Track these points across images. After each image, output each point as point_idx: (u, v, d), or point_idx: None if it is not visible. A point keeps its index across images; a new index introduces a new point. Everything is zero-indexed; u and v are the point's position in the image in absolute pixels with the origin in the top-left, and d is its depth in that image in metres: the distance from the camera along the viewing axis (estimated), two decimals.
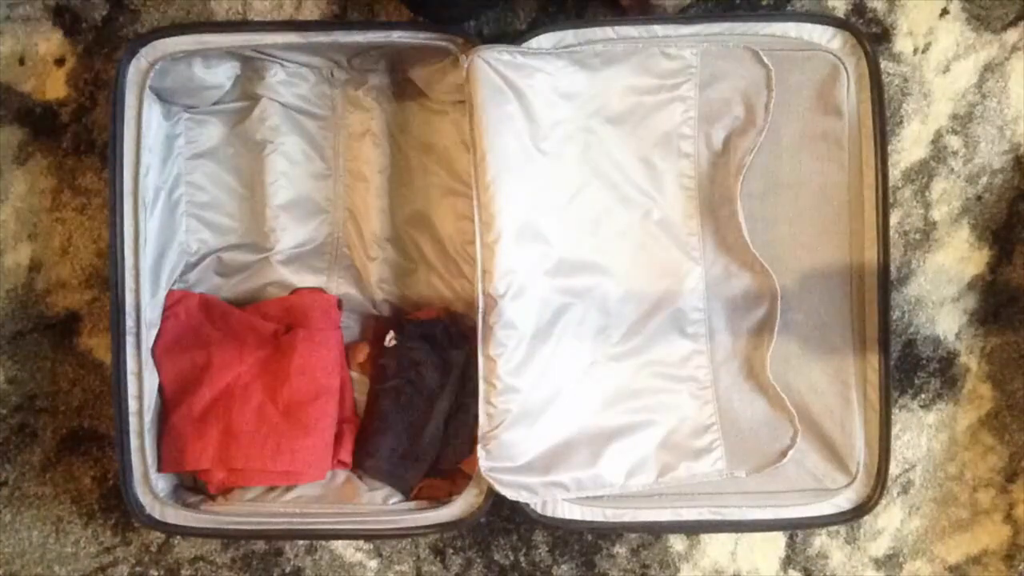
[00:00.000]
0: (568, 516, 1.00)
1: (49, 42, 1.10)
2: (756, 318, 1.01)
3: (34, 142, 1.10)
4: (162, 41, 0.98)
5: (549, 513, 1.01)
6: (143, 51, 0.98)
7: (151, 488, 0.99)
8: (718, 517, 1.00)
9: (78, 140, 1.10)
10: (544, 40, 0.99)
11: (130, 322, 0.98)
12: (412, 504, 1.01)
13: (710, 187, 1.01)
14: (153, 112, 1.01)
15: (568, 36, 0.99)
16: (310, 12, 1.10)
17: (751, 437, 1.00)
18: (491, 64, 0.93)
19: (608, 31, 0.99)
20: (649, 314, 1.01)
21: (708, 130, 1.00)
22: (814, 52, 1.00)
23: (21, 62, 1.10)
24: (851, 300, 1.01)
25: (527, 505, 1.00)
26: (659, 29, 0.99)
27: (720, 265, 1.02)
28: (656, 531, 1.08)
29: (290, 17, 1.10)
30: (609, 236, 1.00)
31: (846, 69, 0.99)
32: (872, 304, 1.00)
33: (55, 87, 1.10)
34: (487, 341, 0.94)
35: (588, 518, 1.00)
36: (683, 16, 1.04)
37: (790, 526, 1.04)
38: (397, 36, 0.98)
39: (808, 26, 1.00)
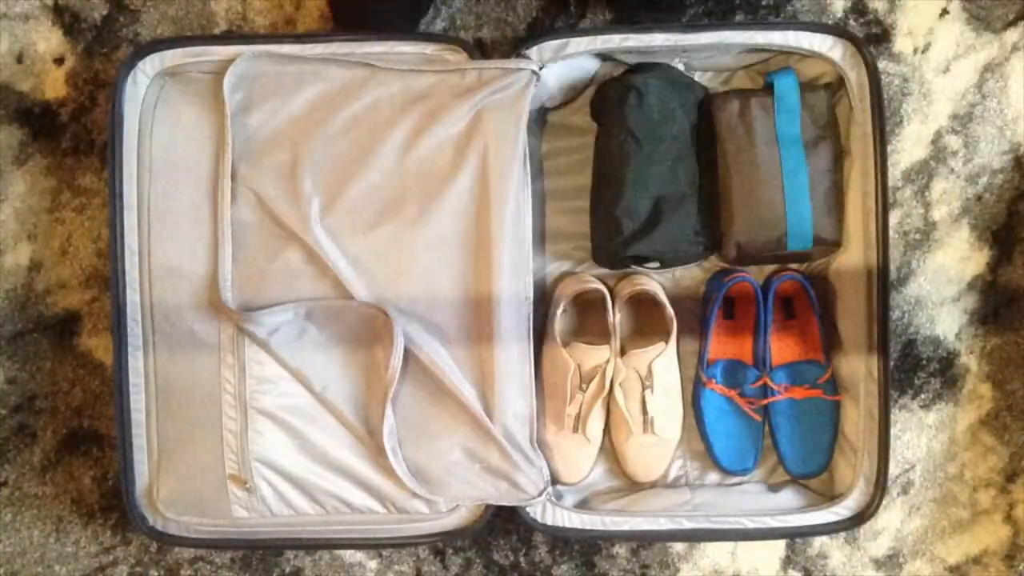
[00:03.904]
0: (568, 524, 1.01)
1: (48, 41, 1.10)
2: None
3: (33, 142, 1.10)
4: (160, 54, 0.99)
5: (549, 521, 1.01)
6: (141, 64, 0.99)
7: (153, 499, 1.00)
8: (717, 526, 1.00)
9: (78, 140, 1.10)
10: (546, 48, 0.98)
11: (137, 328, 0.98)
12: (413, 513, 1.01)
13: None
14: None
15: (571, 44, 0.99)
16: (309, 13, 1.10)
17: None
18: None
19: (614, 38, 0.99)
20: None
21: None
22: (814, 60, 1.00)
23: (19, 60, 1.10)
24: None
25: (526, 512, 1.00)
26: (660, 38, 0.99)
27: None
28: (654, 540, 1.08)
29: (290, 17, 1.10)
30: None
31: (847, 76, 0.98)
32: (873, 309, 1.00)
33: (54, 87, 1.10)
34: None
35: (588, 527, 1.01)
36: (685, 25, 1.03)
37: (790, 534, 1.04)
38: (400, 48, 0.99)
39: (808, 34, 0.99)
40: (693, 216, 0.99)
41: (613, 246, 0.99)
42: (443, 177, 0.95)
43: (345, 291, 0.95)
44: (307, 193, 0.95)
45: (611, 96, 1.01)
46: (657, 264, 1.02)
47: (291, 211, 0.95)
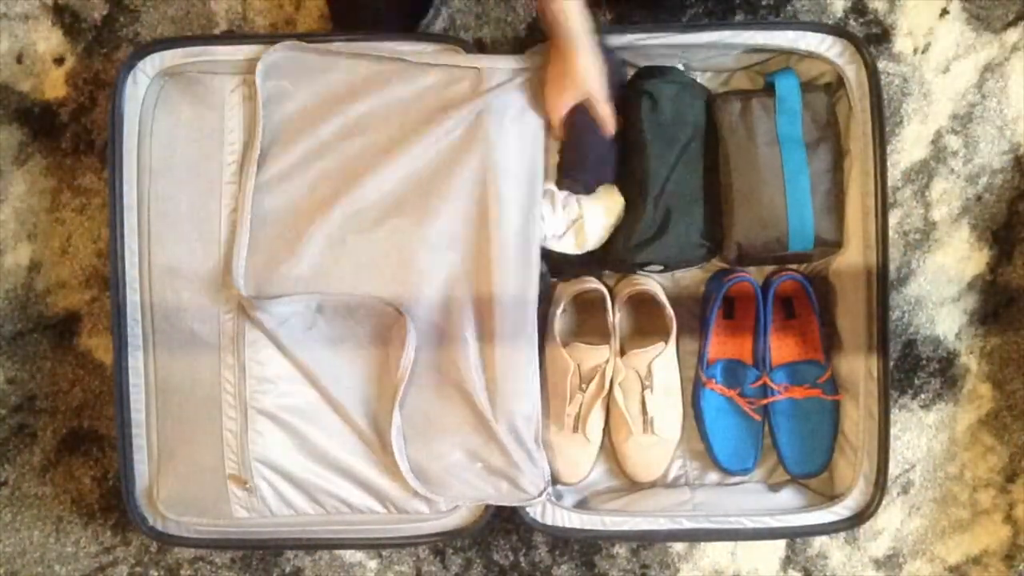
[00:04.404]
0: (568, 524, 1.01)
1: (48, 41, 1.10)
2: None
3: (33, 142, 1.10)
4: (160, 54, 0.99)
5: (548, 521, 1.01)
6: (141, 64, 0.99)
7: (153, 499, 1.00)
8: (717, 526, 1.00)
9: (77, 140, 1.10)
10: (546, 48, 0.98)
11: (137, 328, 0.98)
12: (413, 513, 1.00)
13: None
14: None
15: None
16: (309, 13, 1.10)
17: None
18: None
19: (617, 38, 0.99)
20: None
21: None
22: (814, 60, 1.00)
23: (19, 60, 1.10)
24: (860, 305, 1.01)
25: (526, 512, 1.00)
26: (660, 38, 0.98)
27: None
28: (654, 540, 1.08)
29: (290, 17, 1.10)
30: None
31: (846, 76, 0.98)
32: (873, 309, 1.00)
33: (54, 87, 1.10)
34: None
35: (588, 527, 1.00)
36: (685, 25, 1.03)
37: (789, 534, 1.05)
38: (399, 48, 0.99)
39: (808, 34, 0.99)
40: (699, 221, 0.99)
41: (621, 252, 0.99)
42: (448, 176, 0.95)
43: (353, 288, 0.95)
44: (317, 190, 0.96)
45: (624, 102, 1.00)
46: (661, 267, 1.02)
47: (301, 208, 0.95)
